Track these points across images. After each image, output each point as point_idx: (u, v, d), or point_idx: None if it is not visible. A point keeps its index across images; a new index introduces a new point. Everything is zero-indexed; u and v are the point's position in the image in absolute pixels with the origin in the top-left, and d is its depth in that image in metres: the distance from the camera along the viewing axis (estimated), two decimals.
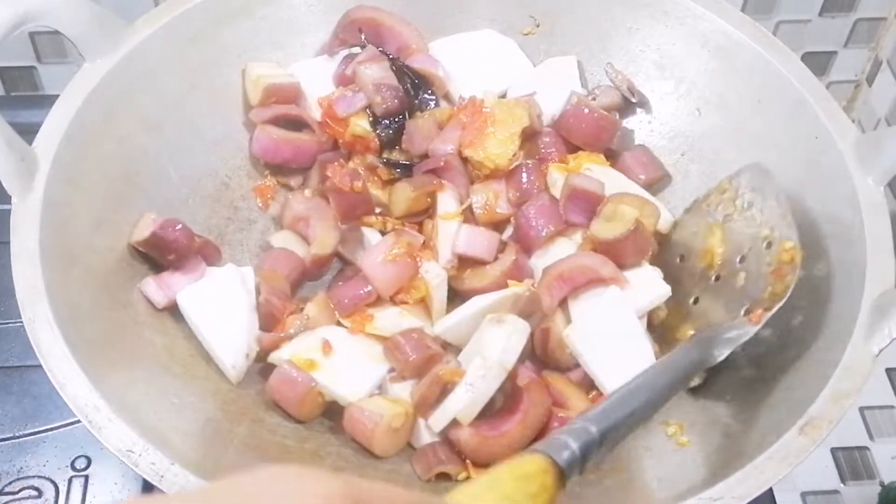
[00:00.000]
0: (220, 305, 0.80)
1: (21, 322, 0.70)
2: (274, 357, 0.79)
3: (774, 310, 0.75)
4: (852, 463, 1.03)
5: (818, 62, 1.25)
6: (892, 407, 1.07)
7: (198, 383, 0.77)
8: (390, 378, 0.80)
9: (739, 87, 0.90)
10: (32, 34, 1.14)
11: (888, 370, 1.09)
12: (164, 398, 0.73)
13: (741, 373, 0.77)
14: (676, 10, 0.93)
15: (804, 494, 1.00)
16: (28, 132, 0.95)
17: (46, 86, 1.17)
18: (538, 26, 0.99)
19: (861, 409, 1.06)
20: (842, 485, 1.01)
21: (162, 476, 0.63)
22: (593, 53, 0.97)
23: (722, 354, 0.75)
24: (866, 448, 1.04)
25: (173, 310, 0.81)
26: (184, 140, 0.89)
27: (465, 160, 0.89)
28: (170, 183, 0.87)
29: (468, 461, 0.75)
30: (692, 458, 0.72)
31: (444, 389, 0.75)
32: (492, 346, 0.75)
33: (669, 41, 0.94)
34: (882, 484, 1.01)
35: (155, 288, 0.81)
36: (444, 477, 0.75)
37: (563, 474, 0.54)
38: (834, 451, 1.04)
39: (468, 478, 0.75)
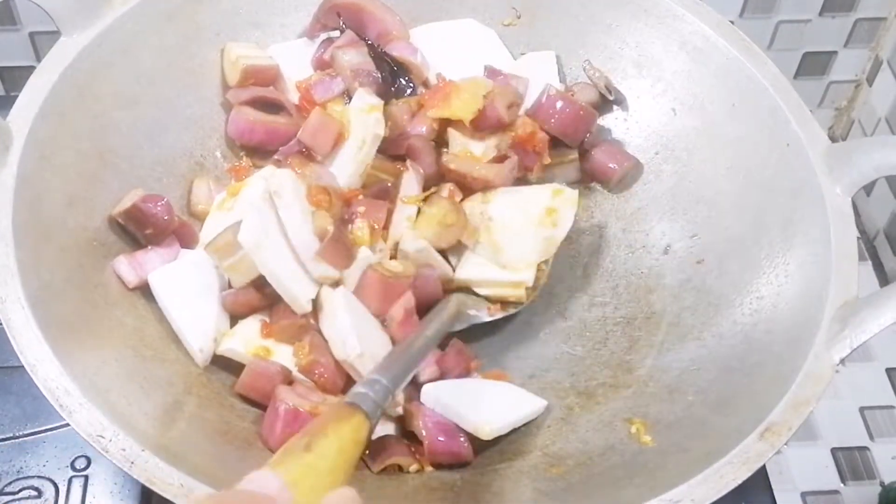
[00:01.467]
0: (190, 288, 0.80)
1: None
2: (227, 349, 0.79)
3: (508, 313, 0.86)
4: (852, 463, 1.04)
5: (818, 62, 1.26)
6: (892, 407, 1.08)
7: (167, 366, 0.77)
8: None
9: (715, 90, 0.91)
10: (32, 34, 1.13)
11: (888, 370, 1.11)
12: (134, 381, 0.72)
13: (705, 375, 0.79)
14: (657, 9, 0.93)
15: (804, 494, 1.01)
16: None
17: None
18: (519, 18, 0.99)
19: (861, 409, 1.07)
20: (842, 485, 1.02)
21: (132, 462, 0.63)
22: (572, 48, 0.98)
23: (462, 325, 0.84)
24: (866, 448, 1.05)
25: (145, 290, 0.81)
26: (159, 118, 0.88)
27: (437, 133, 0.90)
28: (144, 161, 0.86)
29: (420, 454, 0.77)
30: (654, 458, 0.74)
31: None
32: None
33: (648, 40, 0.95)
34: (882, 484, 1.02)
35: (127, 266, 0.80)
36: (395, 469, 0.77)
37: (370, 427, 0.64)
38: (834, 451, 1.05)
39: (420, 470, 0.77)
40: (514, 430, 0.80)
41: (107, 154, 0.83)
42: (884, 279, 1.21)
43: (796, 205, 0.82)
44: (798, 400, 0.70)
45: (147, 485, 0.63)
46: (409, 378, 0.74)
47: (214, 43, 0.92)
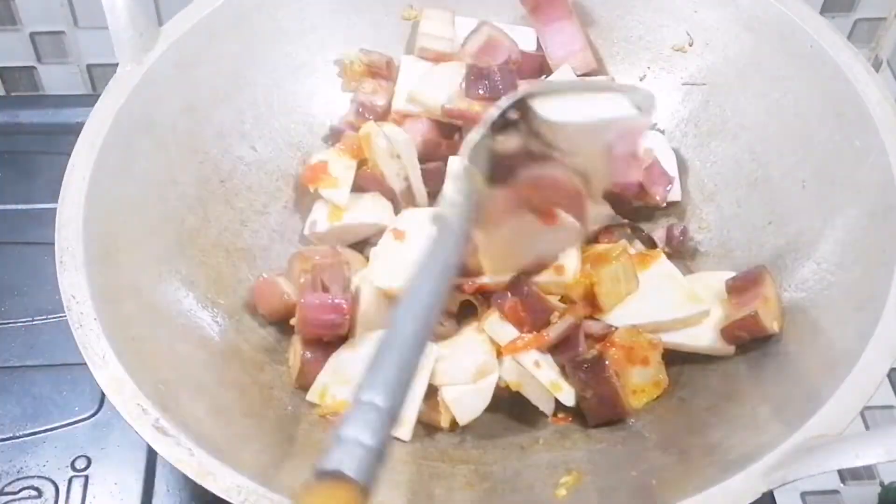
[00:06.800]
0: None
1: (22, 322, 0.69)
2: None
3: None
4: None
5: None
6: (892, 407, 1.06)
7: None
8: None
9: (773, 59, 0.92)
10: (32, 34, 1.11)
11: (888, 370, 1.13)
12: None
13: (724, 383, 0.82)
14: None
15: (804, 494, 1.00)
16: (28, 132, 0.94)
17: (46, 86, 1.14)
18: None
19: (861, 409, 1.10)
20: (842, 485, 1.00)
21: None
22: (614, 25, 0.98)
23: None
24: None
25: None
26: None
27: None
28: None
29: None
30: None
31: None
32: None
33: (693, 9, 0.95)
34: (882, 484, 1.01)
35: None
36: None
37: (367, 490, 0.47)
38: None
39: None
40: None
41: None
42: None
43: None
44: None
45: None
46: (412, 382, 0.52)
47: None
